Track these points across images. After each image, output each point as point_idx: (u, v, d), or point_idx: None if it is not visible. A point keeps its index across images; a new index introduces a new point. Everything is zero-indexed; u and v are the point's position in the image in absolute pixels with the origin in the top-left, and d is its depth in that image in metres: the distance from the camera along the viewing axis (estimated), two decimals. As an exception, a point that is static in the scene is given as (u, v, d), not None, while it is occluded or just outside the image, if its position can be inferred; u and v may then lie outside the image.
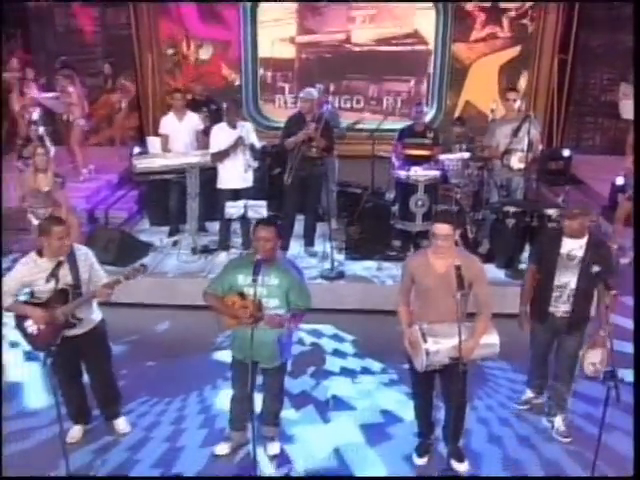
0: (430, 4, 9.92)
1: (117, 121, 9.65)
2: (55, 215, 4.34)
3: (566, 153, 8.91)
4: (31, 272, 3.85)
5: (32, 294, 3.94)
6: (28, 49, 9.95)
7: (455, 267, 3.50)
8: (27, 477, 3.82)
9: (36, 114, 8.12)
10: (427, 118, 9.51)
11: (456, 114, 9.42)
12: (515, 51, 10.04)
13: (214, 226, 6.80)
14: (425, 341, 3.59)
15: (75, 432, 4.22)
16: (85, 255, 3.97)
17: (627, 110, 9.30)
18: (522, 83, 10.02)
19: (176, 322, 5.79)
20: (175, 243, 6.67)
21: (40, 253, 3.88)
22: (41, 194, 5.90)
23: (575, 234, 3.99)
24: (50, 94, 8.56)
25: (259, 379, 4.01)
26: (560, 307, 4.09)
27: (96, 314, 4.12)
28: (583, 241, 4.00)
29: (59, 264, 3.82)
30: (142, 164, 6.16)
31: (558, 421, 4.31)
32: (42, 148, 6.05)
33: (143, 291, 5.88)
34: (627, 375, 4.90)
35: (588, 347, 4.17)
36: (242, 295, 3.69)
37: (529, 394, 4.60)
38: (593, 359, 4.15)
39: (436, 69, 10.25)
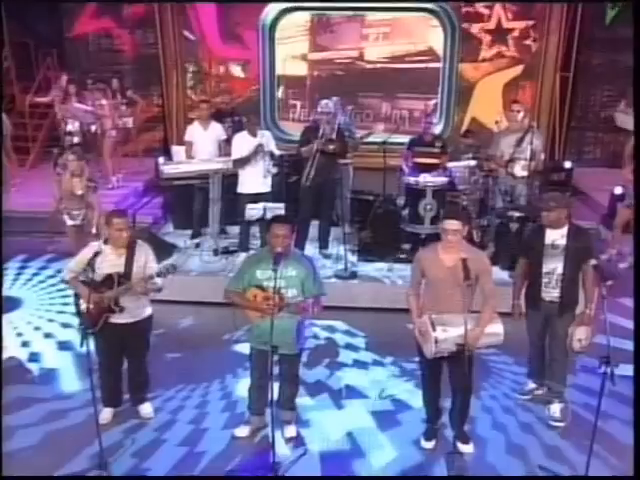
0: (437, 23, 10.14)
1: (131, 133, 9.84)
2: (117, 210, 4.48)
3: (567, 165, 9.04)
4: (95, 255, 4.01)
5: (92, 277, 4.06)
6: (63, 67, 10.28)
7: (461, 260, 3.65)
8: (27, 477, 3.86)
9: (70, 125, 8.37)
10: (436, 131, 9.73)
11: (463, 129, 9.59)
12: (518, 70, 10.20)
13: (234, 230, 6.99)
14: (434, 330, 3.72)
15: (106, 414, 4.36)
16: (145, 252, 4.17)
17: (624, 121, 9.44)
18: (525, 99, 10.18)
19: (199, 317, 5.96)
20: (198, 245, 6.86)
21: (107, 241, 4.11)
22: (76, 197, 6.11)
23: (554, 225, 4.20)
24: (82, 106, 8.84)
25: (275, 369, 4.12)
26: (550, 292, 4.28)
27: (146, 309, 4.28)
28: (564, 230, 4.20)
29: (96, 255, 4.00)
30: (169, 169, 6.37)
31: (554, 407, 4.42)
32: (76, 155, 6.27)
33: (169, 289, 6.04)
34: (621, 369, 5.02)
35: (575, 325, 4.27)
36: (262, 288, 3.83)
37: (531, 385, 4.70)
38: (579, 336, 4.24)
39: (444, 87, 10.44)
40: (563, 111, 9.92)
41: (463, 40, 10.12)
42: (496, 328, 3.82)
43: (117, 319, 4.12)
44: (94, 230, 6.07)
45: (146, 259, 4.15)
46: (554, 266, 4.24)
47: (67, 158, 6.28)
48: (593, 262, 3.94)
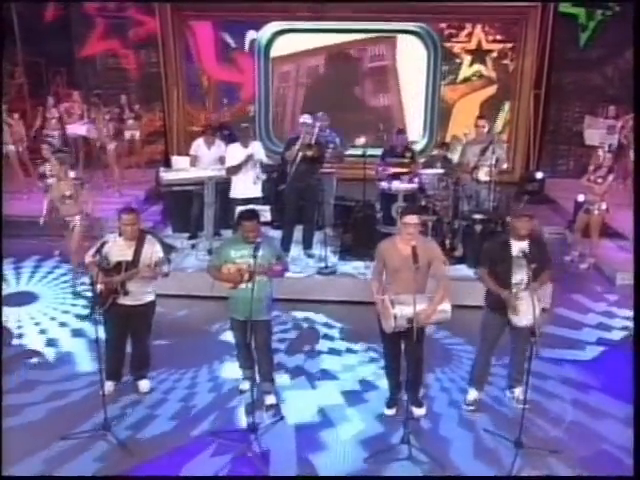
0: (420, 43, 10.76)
1: (137, 145, 10.38)
2: (127, 207, 4.91)
3: (539, 176, 9.58)
4: (109, 245, 4.58)
5: (108, 263, 4.58)
6: (71, 84, 10.91)
7: (411, 247, 4.14)
8: (28, 477, 4.03)
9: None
10: (418, 147, 10.34)
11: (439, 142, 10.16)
12: (493, 89, 10.81)
13: (227, 233, 7.47)
14: (393, 308, 4.21)
15: (107, 387, 4.80)
16: (153, 244, 4.66)
17: (590, 138, 9.96)
18: (500, 116, 10.79)
19: (192, 310, 6.44)
20: (193, 246, 7.36)
21: (120, 234, 4.63)
22: (68, 199, 6.36)
23: (523, 236, 4.36)
24: (83, 121, 9.46)
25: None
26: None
27: (149, 295, 4.75)
28: (527, 241, 4.37)
29: (102, 244, 4.55)
30: (168, 176, 6.92)
31: (517, 392, 4.74)
32: (59, 160, 6.46)
33: (166, 284, 6.51)
34: (566, 355, 5.54)
35: None
36: (234, 263, 4.47)
37: (473, 394, 4.76)
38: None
39: (427, 107, 11.02)
40: (537, 126, 10.48)
41: (445, 59, 10.72)
42: (445, 307, 4.29)
43: (123, 301, 4.62)
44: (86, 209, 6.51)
45: (152, 250, 4.64)
46: (521, 276, 4.32)
47: (52, 164, 6.54)
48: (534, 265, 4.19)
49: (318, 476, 4.10)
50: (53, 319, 6.24)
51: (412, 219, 4.25)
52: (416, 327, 4.10)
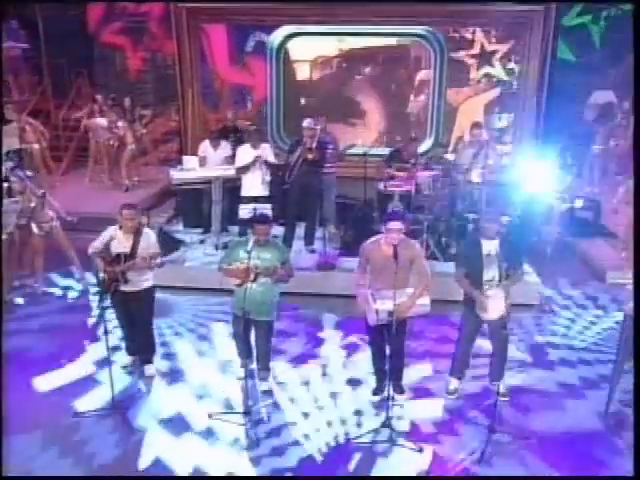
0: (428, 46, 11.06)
1: (147, 144, 10.90)
2: (127, 204, 5.19)
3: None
4: (110, 238, 5.03)
5: (109, 254, 5.03)
6: (92, 85, 11.46)
7: (393, 246, 4.52)
8: (28, 477, 4.14)
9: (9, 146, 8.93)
10: (423, 149, 10.65)
11: (450, 148, 10.44)
12: (496, 92, 11.04)
13: (234, 229, 7.90)
14: (375, 302, 4.60)
15: (128, 360, 5.38)
16: (149, 237, 5.11)
17: (589, 113, 10.19)
18: (503, 119, 11.05)
19: (199, 299, 6.86)
20: (202, 241, 7.81)
21: (120, 227, 5.06)
22: (36, 209, 6.68)
23: (492, 236, 4.70)
24: (100, 123, 10.00)
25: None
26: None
27: (147, 281, 5.17)
28: (496, 241, 4.69)
29: (111, 238, 5.02)
30: (178, 175, 7.40)
31: (500, 386, 5.00)
32: (17, 177, 6.70)
33: (175, 276, 6.99)
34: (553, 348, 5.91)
35: None
36: (242, 262, 4.82)
37: (454, 383, 5.10)
38: None
39: (433, 110, 11.30)
40: (538, 128, 10.73)
41: (450, 63, 11.00)
42: (424, 301, 4.68)
43: (124, 288, 5.07)
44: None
45: (148, 243, 5.07)
46: (493, 274, 4.66)
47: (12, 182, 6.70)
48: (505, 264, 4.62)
49: (318, 476, 4.31)
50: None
51: (395, 225, 4.59)
52: (397, 319, 4.48)
